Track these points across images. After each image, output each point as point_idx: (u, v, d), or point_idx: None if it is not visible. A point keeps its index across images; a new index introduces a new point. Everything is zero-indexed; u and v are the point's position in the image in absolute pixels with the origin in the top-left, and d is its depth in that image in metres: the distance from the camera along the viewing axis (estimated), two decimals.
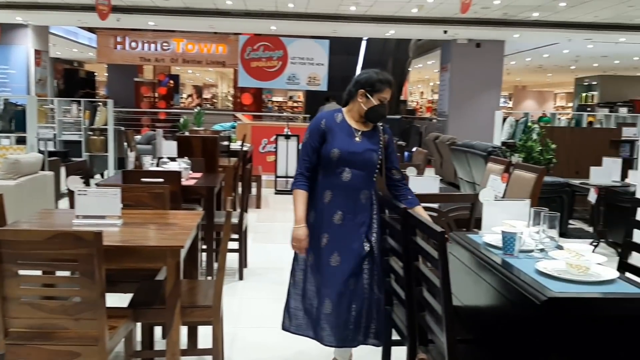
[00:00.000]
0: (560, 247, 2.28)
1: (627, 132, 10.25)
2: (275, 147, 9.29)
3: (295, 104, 23.85)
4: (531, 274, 2.12)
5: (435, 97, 23.35)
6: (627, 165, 8.71)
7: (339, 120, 2.95)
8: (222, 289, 2.82)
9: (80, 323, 2.36)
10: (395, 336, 2.78)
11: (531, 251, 2.39)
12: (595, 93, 21.31)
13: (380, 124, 2.99)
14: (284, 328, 3.03)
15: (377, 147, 2.93)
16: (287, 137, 9.25)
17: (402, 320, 2.54)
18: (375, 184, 2.95)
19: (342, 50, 14.74)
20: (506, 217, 2.66)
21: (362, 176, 2.88)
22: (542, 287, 1.97)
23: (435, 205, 3.51)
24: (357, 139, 2.90)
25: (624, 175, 6.67)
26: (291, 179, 9.14)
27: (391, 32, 12.82)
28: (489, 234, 2.63)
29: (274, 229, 6.84)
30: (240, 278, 4.76)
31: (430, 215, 3.07)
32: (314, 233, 2.90)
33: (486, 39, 12.99)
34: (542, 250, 2.34)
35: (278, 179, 9.29)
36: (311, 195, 2.93)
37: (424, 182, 3.81)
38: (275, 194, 9.19)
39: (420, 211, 2.89)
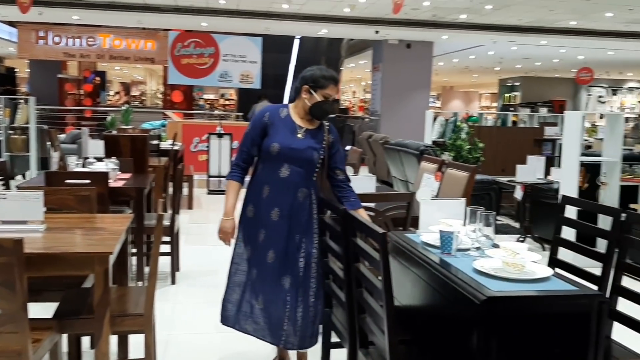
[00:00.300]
0: (496, 246, 2.32)
1: (549, 131, 10.75)
2: (208, 146, 9.10)
3: (227, 102, 23.52)
4: (469, 272, 2.14)
5: (368, 96, 23.68)
6: (550, 163, 9.12)
7: (284, 115, 2.93)
8: (154, 295, 2.70)
9: (0, 337, 2.20)
10: (334, 338, 2.75)
11: (468, 250, 2.42)
12: (517, 93, 22.21)
13: (327, 124, 2.98)
14: (222, 322, 3.00)
15: (320, 146, 2.91)
16: (220, 135, 9.09)
17: (342, 322, 2.51)
18: (316, 184, 2.92)
19: (275, 48, 14.64)
20: (443, 216, 2.68)
21: (300, 173, 2.86)
22: (480, 286, 1.99)
23: (371, 205, 3.51)
24: (299, 135, 2.88)
25: (547, 173, 6.96)
26: (224, 179, 9.07)
27: (324, 31, 12.85)
28: (427, 233, 2.65)
29: (207, 230, 6.68)
30: (173, 282, 4.61)
31: (368, 215, 3.07)
32: (253, 227, 2.90)
33: (416, 40, 13.25)
34: (478, 248, 2.37)
35: (211, 178, 9.11)
36: (251, 188, 2.93)
37: (360, 182, 3.79)
38: (208, 193, 9.01)
39: (361, 213, 2.89)
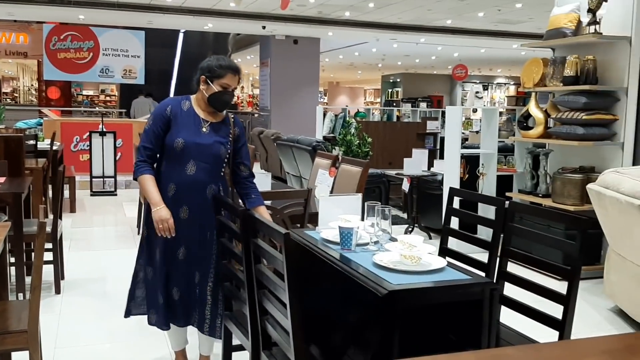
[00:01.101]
0: (393, 239, 2.38)
1: (431, 126, 11.28)
2: (89, 145, 8.61)
3: (108, 98, 22.39)
4: (369, 267, 2.18)
5: (256, 91, 23.56)
6: (432, 155, 9.59)
7: (186, 108, 2.81)
8: (38, 309, 2.50)
9: None
10: (236, 341, 2.71)
11: (367, 244, 2.47)
12: (399, 89, 23.14)
13: (232, 115, 2.91)
14: (126, 315, 2.91)
15: (226, 139, 2.83)
16: (102, 133, 8.63)
17: (244, 324, 2.47)
18: (225, 179, 2.86)
19: (159, 43, 14.17)
20: (341, 211, 2.72)
21: (208, 170, 2.76)
22: (380, 280, 2.04)
23: (268, 203, 3.49)
24: (204, 129, 2.79)
25: (430, 165, 7.30)
26: (108, 179, 8.66)
27: (209, 25, 12.60)
28: (326, 230, 2.67)
29: (92, 235, 6.34)
30: (57, 292, 4.32)
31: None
32: None
33: (303, 36, 13.37)
34: (377, 242, 2.43)
35: (94, 179, 8.64)
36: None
37: (256, 180, 3.76)
38: (92, 195, 8.54)
39: (262, 211, 2.86)
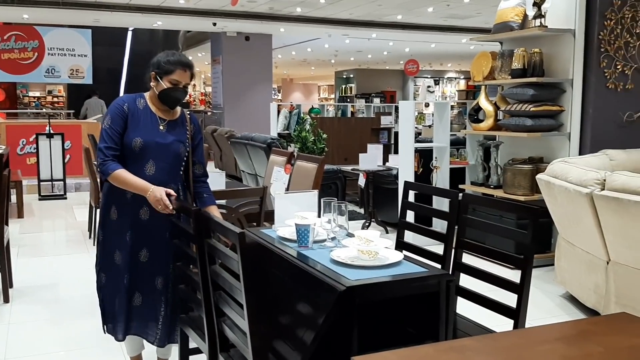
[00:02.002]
0: (351, 235, 2.38)
1: (385, 121, 11.38)
2: (36, 148, 8.33)
3: (55, 99, 21.72)
4: (327, 264, 2.17)
5: (209, 89, 23.26)
6: (387, 150, 9.67)
7: (142, 106, 2.72)
8: None
9: None
10: (193, 344, 2.66)
11: (324, 241, 2.46)
12: (352, 85, 23.25)
13: (188, 112, 2.83)
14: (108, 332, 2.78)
15: (185, 137, 2.77)
16: (50, 135, 8.35)
17: (200, 327, 2.43)
18: (182, 179, 2.80)
19: (106, 41, 13.82)
20: (297, 208, 2.70)
21: (167, 170, 2.69)
22: (338, 276, 2.03)
23: (222, 202, 3.44)
24: (161, 127, 2.70)
25: (385, 160, 7.36)
26: (57, 182, 8.39)
27: (158, 22, 12.36)
28: (283, 228, 2.65)
29: (41, 240, 6.14)
30: (6, 300, 4.16)
31: (220, 213, 3.00)
32: (118, 230, 2.66)
33: (255, 33, 13.28)
34: (334, 239, 2.42)
35: (42, 182, 8.36)
36: (111, 190, 2.67)
37: (210, 178, 3.71)
38: (40, 200, 8.27)
39: (213, 210, 2.81)
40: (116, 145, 2.64)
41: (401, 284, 2.05)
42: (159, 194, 2.55)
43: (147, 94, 2.78)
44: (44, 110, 16.58)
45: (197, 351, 2.64)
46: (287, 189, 4.20)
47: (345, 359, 1.96)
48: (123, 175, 2.60)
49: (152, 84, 2.72)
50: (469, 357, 1.48)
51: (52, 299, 4.26)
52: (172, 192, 2.60)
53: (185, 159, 2.78)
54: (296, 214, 2.56)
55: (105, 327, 2.77)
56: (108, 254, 2.71)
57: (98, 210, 3.26)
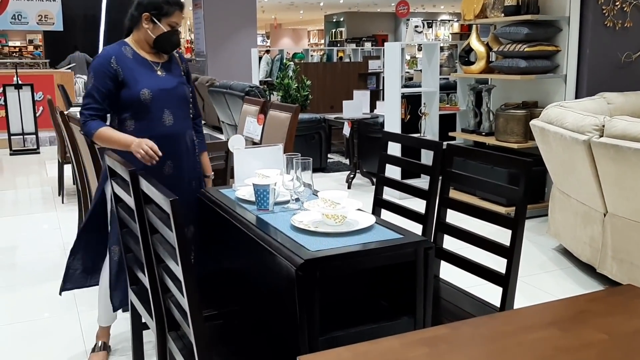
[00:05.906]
0: (316, 193, 2.07)
1: (373, 65, 10.91)
2: (4, 100, 7.90)
3: (37, 49, 20.91)
4: (287, 231, 1.87)
5: (193, 36, 22.49)
6: (376, 96, 9.28)
7: (130, 55, 2.43)
8: None
9: None
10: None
11: (287, 202, 2.16)
12: (343, 29, 22.52)
13: (176, 51, 2.57)
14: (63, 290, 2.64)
15: (183, 78, 2.54)
16: (18, 86, 7.91)
17: (147, 302, 2.14)
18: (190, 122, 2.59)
19: None
20: (260, 165, 2.39)
21: (182, 116, 2.49)
22: (298, 247, 1.73)
23: None
24: (159, 72, 2.45)
25: (373, 107, 7.00)
26: (29, 136, 8.01)
27: None
28: (243, 187, 2.35)
29: (4, 198, 5.80)
30: None
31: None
32: None
33: None
34: (297, 200, 2.11)
35: (13, 137, 7.97)
36: (127, 155, 2.30)
37: None
38: (11, 154, 7.90)
39: (204, 158, 2.65)
40: (101, 105, 2.38)
41: (370, 254, 1.75)
42: (144, 143, 2.30)
43: (130, 39, 2.48)
44: (24, 60, 15.91)
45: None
46: (260, 142, 3.87)
47: (310, 341, 1.69)
48: (107, 133, 2.37)
49: (145, 25, 2.42)
50: (441, 352, 1.20)
51: (8, 263, 3.97)
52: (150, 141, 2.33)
53: (191, 100, 2.57)
54: (257, 171, 2.26)
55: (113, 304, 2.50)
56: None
57: (71, 170, 2.94)
